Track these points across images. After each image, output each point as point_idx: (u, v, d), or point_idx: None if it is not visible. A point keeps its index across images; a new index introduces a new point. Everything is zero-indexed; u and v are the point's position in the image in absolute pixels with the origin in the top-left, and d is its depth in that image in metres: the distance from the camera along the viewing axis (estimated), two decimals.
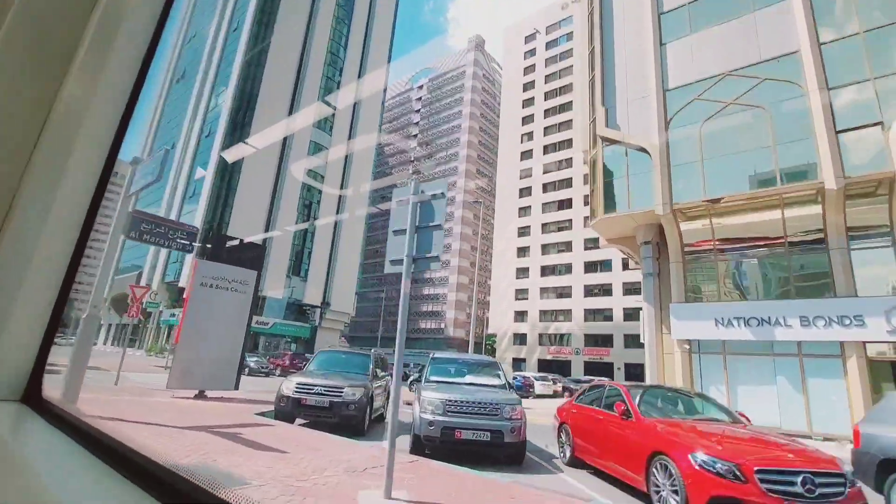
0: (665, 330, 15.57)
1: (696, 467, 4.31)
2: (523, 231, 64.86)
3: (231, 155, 40.24)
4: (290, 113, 44.64)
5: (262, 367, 29.48)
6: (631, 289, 53.43)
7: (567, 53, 68.18)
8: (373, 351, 11.63)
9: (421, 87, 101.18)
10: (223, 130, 41.06)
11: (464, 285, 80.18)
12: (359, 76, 52.20)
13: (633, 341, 52.66)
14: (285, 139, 43.97)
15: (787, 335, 12.75)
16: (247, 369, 29.03)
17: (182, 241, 9.03)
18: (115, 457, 0.98)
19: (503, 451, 6.67)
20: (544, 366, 58.41)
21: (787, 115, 13.70)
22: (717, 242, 14.77)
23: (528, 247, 63.50)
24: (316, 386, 8.30)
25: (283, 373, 30.88)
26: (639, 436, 5.24)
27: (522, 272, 63.47)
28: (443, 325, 78.20)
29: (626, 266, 54.35)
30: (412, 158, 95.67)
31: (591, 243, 58.07)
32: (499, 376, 8.41)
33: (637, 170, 15.83)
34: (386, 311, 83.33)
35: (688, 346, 14.56)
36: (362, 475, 4.78)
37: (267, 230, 41.31)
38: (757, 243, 14.37)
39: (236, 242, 13.77)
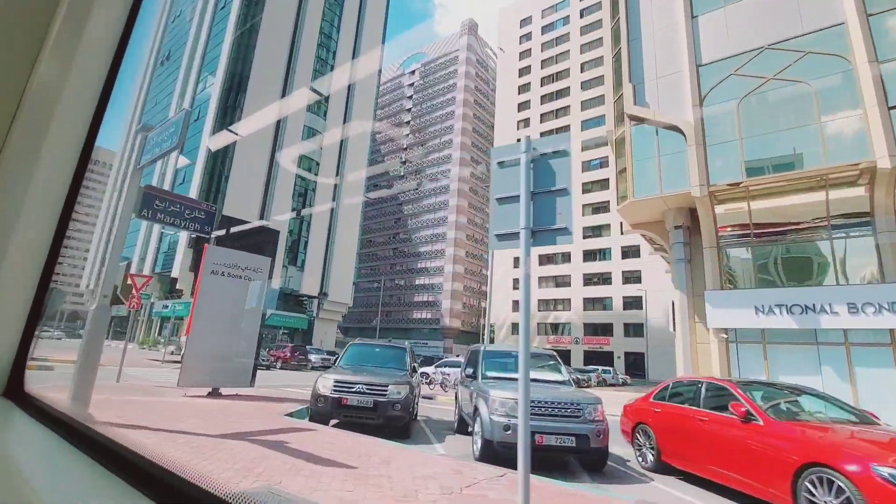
0: (697, 318, 14.92)
1: (884, 482, 3.54)
2: None
3: (221, 140, 38.58)
4: (283, 95, 42.95)
5: (263, 360, 28.38)
6: (630, 277, 53.28)
7: (563, 38, 67.04)
8: (406, 343, 10.77)
9: (413, 72, 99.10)
10: (213, 114, 39.30)
11: (459, 275, 79.47)
12: (353, 57, 50.50)
13: (633, 330, 52.70)
14: (278, 123, 42.35)
15: (834, 323, 12.16)
16: None
17: (199, 222, 7.93)
18: (102, 451, 0.96)
19: (588, 458, 5.91)
20: None
21: (832, 90, 12.97)
22: (754, 226, 14.09)
23: None
24: (357, 384, 7.38)
25: (284, 366, 29.87)
26: (776, 442, 4.45)
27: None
28: (438, 315, 77.52)
29: (625, 255, 54.17)
30: (405, 146, 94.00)
31: (590, 232, 57.73)
32: (561, 371, 7.68)
33: (669, 150, 15.03)
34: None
35: (725, 335, 13.91)
36: (465, 498, 3.92)
37: (261, 218, 39.88)
38: (798, 227, 13.70)
39: (247, 226, 12.57)
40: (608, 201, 56.87)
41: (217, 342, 10.82)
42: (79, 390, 5.84)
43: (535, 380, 7.06)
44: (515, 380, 6.80)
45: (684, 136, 14.63)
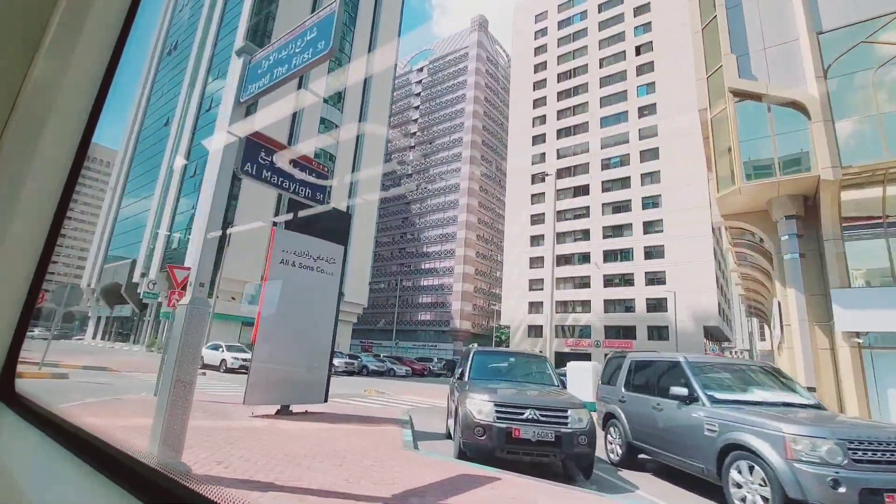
0: (817, 320, 13.00)
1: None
2: (536, 219, 62.29)
3: (240, 130, 36.36)
4: (300, 86, 40.87)
5: None
6: (654, 279, 51.52)
7: (581, 33, 65.40)
8: (539, 350, 8.83)
9: (421, 69, 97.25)
10: (230, 103, 37.07)
11: (470, 276, 77.55)
12: (369, 49, 48.53)
13: (656, 333, 50.91)
14: (294, 115, 40.28)
15: None
16: (241, 365, 25.79)
17: (309, 187, 5.90)
18: (93, 453, 0.95)
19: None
20: (561, 359, 56.27)
21: None
22: (888, 215, 12.18)
23: (543, 235, 60.96)
24: (527, 409, 5.39)
25: None
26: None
27: (536, 261, 60.99)
28: (447, 317, 75.49)
29: (647, 256, 52.38)
30: (412, 144, 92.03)
31: (610, 231, 55.95)
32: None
33: (784, 128, 13.14)
34: (386, 301, 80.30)
35: (859, 340, 11.97)
36: None
37: (277, 213, 37.75)
38: None
39: (315, 209, 10.44)
40: (629, 200, 55.22)
41: (288, 349, 8.80)
42: (170, 432, 3.87)
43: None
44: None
45: (805, 112, 12.74)
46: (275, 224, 9.97)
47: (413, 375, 34.30)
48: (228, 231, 31.24)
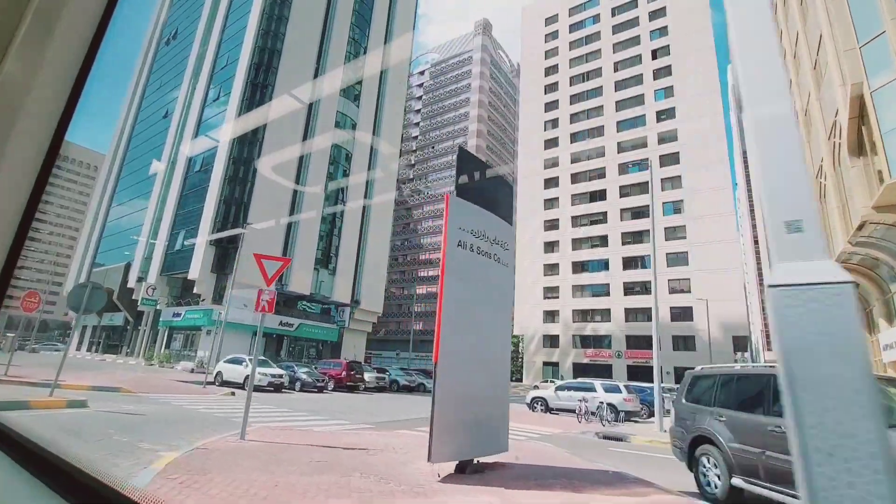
0: None
1: None
2: (550, 224, 60.20)
3: (251, 121, 33.33)
4: (316, 76, 38.03)
5: (318, 381, 23.08)
6: (676, 287, 49.72)
7: (594, 37, 64.19)
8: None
9: (422, 72, 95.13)
10: (239, 93, 34.02)
11: None
12: (385, 41, 46.02)
13: (682, 343, 48.97)
14: (310, 107, 37.33)
15: None
16: (298, 383, 22.58)
17: None
18: (55, 475, 0.94)
19: None
20: (580, 370, 53.94)
21: None
22: None
23: (557, 241, 58.90)
24: None
25: (338, 386, 24.57)
26: None
27: (551, 268, 58.76)
28: None
29: (670, 263, 50.63)
30: (413, 148, 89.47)
31: (630, 238, 54.13)
32: None
33: None
34: (402, 309, 76.86)
35: None
36: None
37: (292, 213, 34.61)
38: None
39: (479, 175, 7.57)
40: (647, 205, 53.43)
41: (472, 373, 5.95)
42: None
43: None
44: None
45: None
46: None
47: None
48: (245, 228, 28.02)
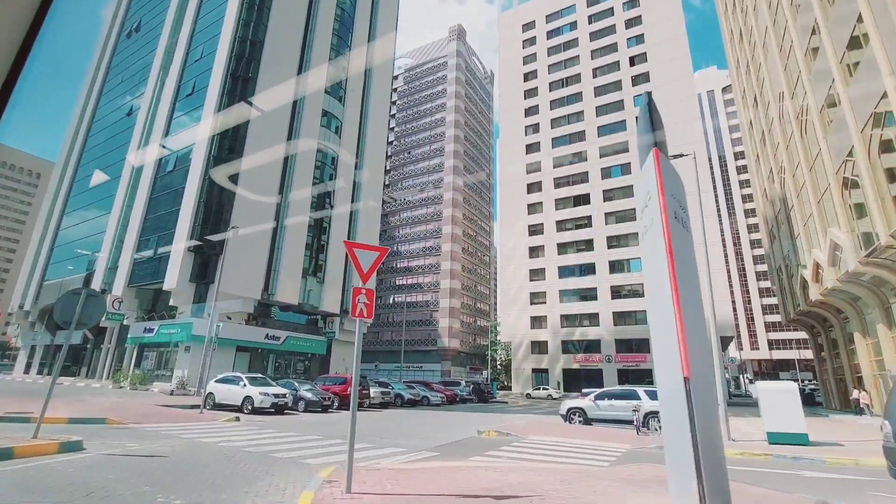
0: None
1: None
2: (534, 229, 59.71)
3: (233, 117, 30.65)
4: (300, 71, 35.77)
5: (326, 399, 20.73)
6: None
7: (572, 43, 64.87)
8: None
9: (396, 77, 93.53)
10: (218, 87, 31.28)
11: (456, 290, 73.30)
12: (369, 39, 44.25)
13: None
14: (294, 105, 34.96)
15: None
16: (301, 403, 20.19)
17: None
18: None
19: None
20: (571, 376, 53.30)
21: None
22: None
23: (543, 246, 58.43)
24: None
25: (342, 404, 22.21)
26: None
27: (537, 273, 58.14)
28: (434, 336, 70.51)
29: None
30: (388, 153, 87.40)
31: (615, 242, 54.30)
32: None
33: None
34: (379, 319, 74.02)
35: None
36: None
37: (278, 218, 32.01)
38: None
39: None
40: (632, 209, 53.97)
41: (712, 392, 4.39)
42: None
43: None
44: None
45: None
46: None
47: (447, 403, 29.45)
48: (229, 233, 25.43)
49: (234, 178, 29.74)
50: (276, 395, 18.62)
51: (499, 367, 77.12)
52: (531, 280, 58.30)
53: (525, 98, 66.48)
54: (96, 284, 33.16)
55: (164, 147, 32.81)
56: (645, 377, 48.56)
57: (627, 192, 54.86)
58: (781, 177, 31.36)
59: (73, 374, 35.15)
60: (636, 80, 58.11)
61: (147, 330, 29.24)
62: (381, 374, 60.24)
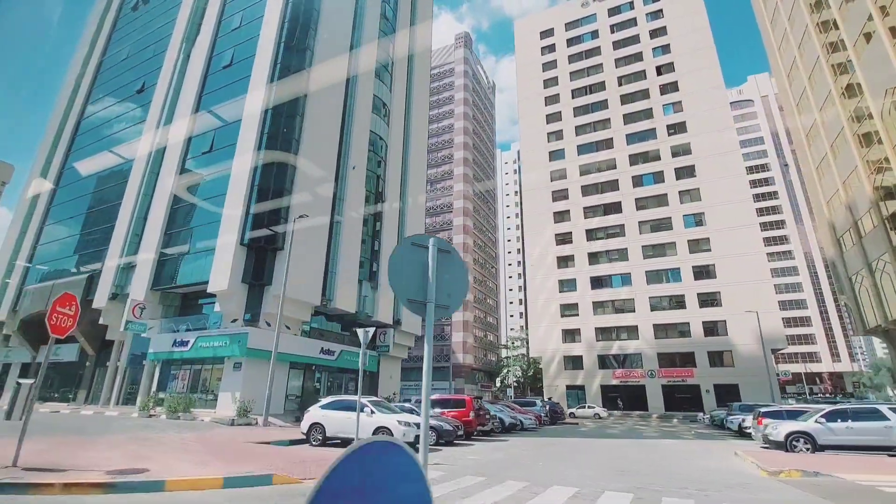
0: None
1: None
2: (562, 238, 56.95)
3: (288, 90, 26.10)
4: (352, 48, 31.72)
5: (456, 427, 16.23)
6: (707, 300, 48.04)
7: (594, 51, 63.74)
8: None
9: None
10: (270, 56, 26.73)
11: (469, 303, 69.27)
12: (410, 23, 40.78)
13: (719, 359, 46.97)
14: (347, 85, 30.75)
15: None
16: (432, 433, 15.65)
17: None
18: None
19: None
20: (610, 392, 50.06)
21: None
22: None
23: (572, 255, 55.63)
24: None
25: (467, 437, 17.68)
26: None
27: (566, 284, 55.12)
28: (447, 351, 65.94)
29: (697, 276, 49.06)
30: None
31: (651, 251, 52.17)
32: None
33: None
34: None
35: None
36: None
37: (333, 213, 27.40)
38: None
39: None
40: (668, 218, 52.24)
41: None
42: None
43: None
44: None
45: None
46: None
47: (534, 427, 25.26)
48: (294, 222, 20.91)
49: (291, 161, 25.04)
50: (412, 425, 14.12)
51: (514, 384, 73.02)
52: (561, 291, 55.17)
53: (546, 105, 64.48)
54: (104, 287, 27.10)
55: (191, 123, 27.66)
56: (692, 391, 45.96)
57: (662, 200, 53.13)
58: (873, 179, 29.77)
59: (66, 400, 28.51)
60: (664, 90, 57.20)
61: (179, 343, 23.61)
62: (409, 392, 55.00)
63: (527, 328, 70.44)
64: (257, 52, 27.31)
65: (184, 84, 30.79)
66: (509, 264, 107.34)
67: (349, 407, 14.75)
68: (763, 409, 17.89)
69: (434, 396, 21.41)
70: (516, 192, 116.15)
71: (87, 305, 27.56)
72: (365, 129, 31.41)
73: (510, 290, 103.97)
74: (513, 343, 73.01)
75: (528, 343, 71.89)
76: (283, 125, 25.36)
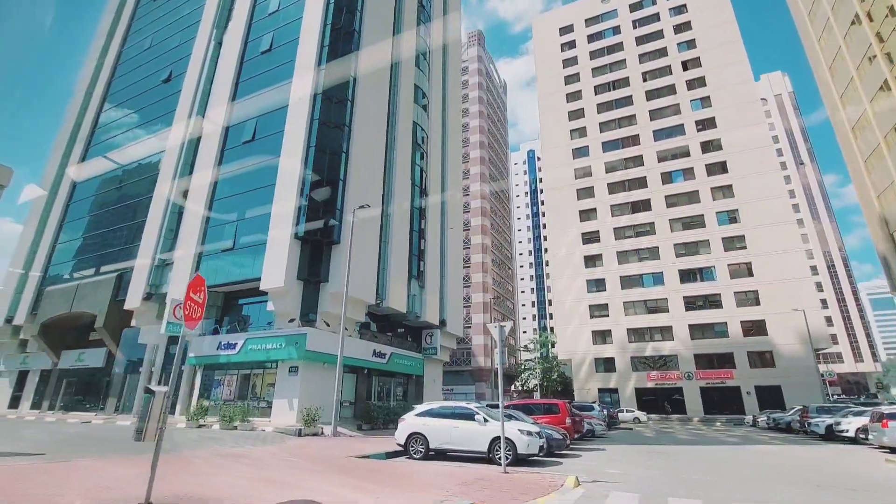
0: None
1: None
2: (589, 237, 55.45)
3: (336, 75, 24.42)
4: (394, 34, 30.10)
5: (564, 437, 14.45)
6: (745, 299, 46.58)
7: (616, 47, 62.56)
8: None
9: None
10: (316, 39, 25.04)
11: (489, 305, 67.49)
12: (444, 13, 39.27)
13: (759, 359, 45.46)
14: (392, 72, 29.12)
15: None
16: (542, 447, 13.69)
17: None
18: None
19: None
20: (645, 395, 48.41)
21: None
22: None
23: (600, 254, 54.11)
24: None
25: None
26: None
27: (595, 284, 53.55)
28: (467, 354, 64.07)
29: (734, 274, 47.64)
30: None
31: (683, 249, 50.76)
32: None
33: None
34: None
35: None
36: None
37: (383, 204, 25.66)
38: None
39: None
40: (701, 215, 50.87)
41: None
42: None
43: None
44: None
45: None
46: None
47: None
48: (354, 215, 19.24)
49: (343, 148, 23.32)
50: (535, 434, 12.36)
51: (533, 387, 71.19)
52: (589, 291, 53.60)
53: (568, 101, 63.19)
54: (137, 288, 25.15)
55: (229, 111, 25.88)
56: (732, 393, 44.41)
57: (693, 197, 51.76)
58: None
59: (94, 409, 26.42)
60: (691, 85, 56.03)
61: (225, 346, 21.70)
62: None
63: (541, 330, 68.98)
64: (301, 35, 25.60)
65: (217, 72, 29.01)
66: (521, 266, 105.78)
67: (455, 414, 12.97)
68: (886, 411, 16.30)
69: (515, 402, 19.62)
70: (526, 193, 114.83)
71: (117, 307, 25.61)
72: (408, 118, 29.77)
73: (522, 291, 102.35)
74: (534, 344, 71.29)
75: (545, 345, 70.34)
76: (333, 111, 23.64)
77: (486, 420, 12.52)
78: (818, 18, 41.84)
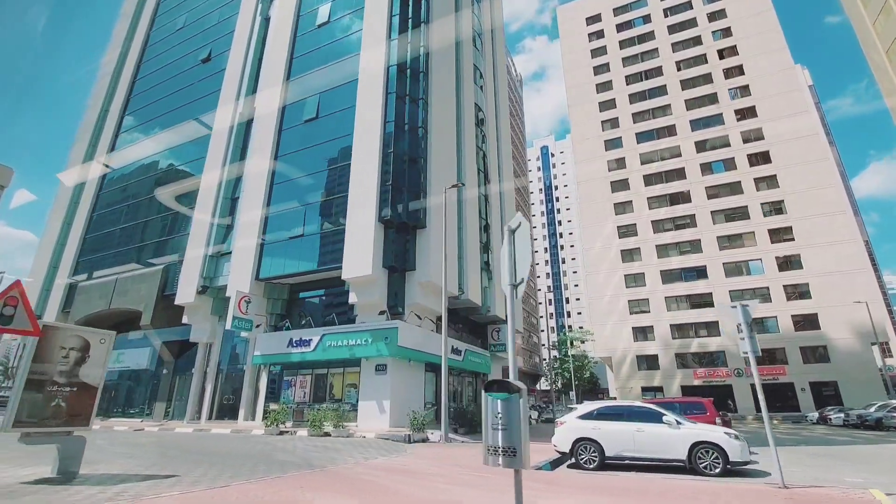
0: None
1: None
2: (625, 231, 53.67)
3: (411, 44, 22.38)
4: (455, 10, 28.10)
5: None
6: (794, 293, 44.95)
7: (647, 36, 60.86)
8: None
9: None
10: (385, 7, 22.99)
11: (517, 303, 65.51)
12: None
13: (812, 354, 43.79)
14: (456, 47, 27.12)
15: None
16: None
17: None
18: None
19: None
20: (691, 393, 46.63)
21: None
22: None
23: (638, 248, 52.33)
24: None
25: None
26: None
27: (634, 279, 51.77)
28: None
29: (782, 267, 45.99)
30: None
31: (726, 242, 49.06)
32: None
33: None
34: None
35: None
36: None
37: (458, 190, 23.58)
38: None
39: None
40: (745, 206, 49.21)
41: None
42: None
43: None
44: None
45: None
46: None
47: None
48: (448, 191, 17.22)
49: (421, 123, 21.28)
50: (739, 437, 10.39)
51: (560, 385, 69.27)
52: (628, 287, 51.80)
53: (598, 92, 61.41)
54: (189, 281, 22.92)
55: (285, 89, 23.76)
56: (785, 390, 42.74)
57: (735, 188, 50.09)
58: None
59: (140, 415, 24.11)
60: (729, 73, 54.42)
61: (298, 342, 19.54)
62: None
63: (559, 329, 67.14)
64: (366, 4, 23.52)
65: (266, 49, 26.87)
66: (537, 263, 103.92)
67: (634, 415, 10.97)
68: None
69: (646, 402, 17.64)
70: (541, 191, 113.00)
71: (166, 301, 23.40)
72: (470, 98, 27.76)
73: (538, 290, 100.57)
74: (564, 342, 69.46)
75: (573, 343, 68.51)
76: (409, 84, 21.57)
77: (678, 423, 10.52)
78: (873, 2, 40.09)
